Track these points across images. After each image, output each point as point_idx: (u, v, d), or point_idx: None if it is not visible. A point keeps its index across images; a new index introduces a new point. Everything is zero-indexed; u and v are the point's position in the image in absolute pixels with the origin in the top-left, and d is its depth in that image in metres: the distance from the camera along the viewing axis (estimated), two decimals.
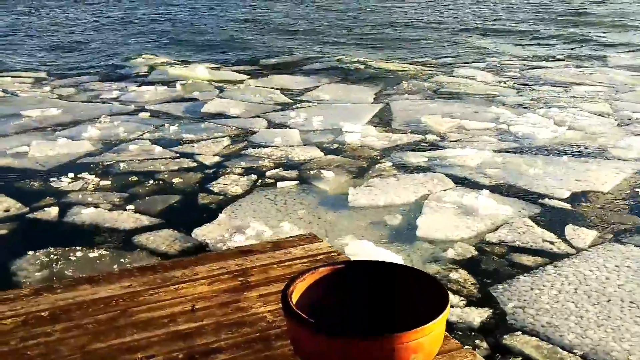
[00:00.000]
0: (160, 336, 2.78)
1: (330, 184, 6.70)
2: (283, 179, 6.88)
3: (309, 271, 2.47)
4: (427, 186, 6.55)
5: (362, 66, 14.16)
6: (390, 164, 7.34)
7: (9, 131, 9.17)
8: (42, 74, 14.04)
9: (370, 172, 7.09)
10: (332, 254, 3.62)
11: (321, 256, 3.55)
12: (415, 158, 7.53)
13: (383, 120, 9.56)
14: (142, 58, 15.44)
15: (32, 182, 6.99)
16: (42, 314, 2.98)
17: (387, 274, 2.54)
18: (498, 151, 7.79)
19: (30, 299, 3.12)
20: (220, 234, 5.45)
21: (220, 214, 5.87)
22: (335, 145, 8.17)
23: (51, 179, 6.99)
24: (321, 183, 6.74)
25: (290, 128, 9.04)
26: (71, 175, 7.07)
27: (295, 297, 2.31)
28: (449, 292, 2.33)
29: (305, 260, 3.50)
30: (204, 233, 5.49)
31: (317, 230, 5.50)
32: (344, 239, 5.31)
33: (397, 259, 4.89)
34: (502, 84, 12.11)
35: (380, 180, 6.77)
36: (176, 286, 3.21)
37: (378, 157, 7.65)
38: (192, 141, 8.51)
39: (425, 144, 8.26)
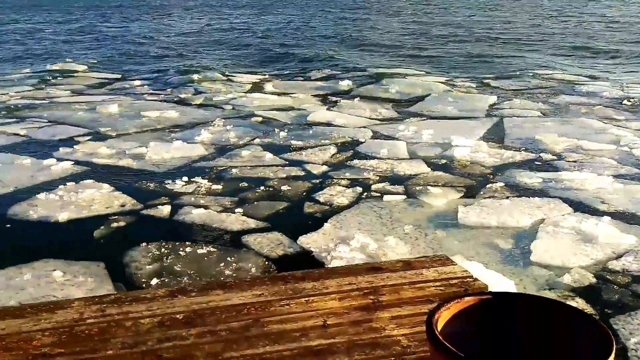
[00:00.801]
0: (292, 350, 2.70)
1: (439, 200, 6.44)
2: (389, 192, 6.68)
3: (454, 299, 2.25)
4: (542, 210, 6.13)
5: (474, 82, 13.76)
6: (503, 183, 6.94)
7: (130, 130, 9.56)
8: (155, 77, 14.66)
9: (481, 191, 6.74)
10: (468, 279, 3.38)
11: (455, 280, 3.33)
12: (529, 178, 7.09)
13: (495, 136, 9.15)
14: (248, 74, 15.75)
15: (147, 183, 7.19)
16: (178, 316, 2.99)
17: (540, 309, 2.27)
18: (618, 176, 7.21)
19: (165, 300, 3.15)
20: (325, 243, 5.34)
21: (325, 224, 5.77)
22: (444, 161, 7.88)
23: (166, 181, 7.18)
24: (429, 198, 6.48)
25: (398, 140, 8.83)
26: (185, 178, 7.22)
27: (440, 326, 2.13)
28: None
29: (438, 283, 3.30)
30: (308, 241, 5.41)
31: (424, 248, 5.27)
32: (452, 259, 5.03)
33: (509, 283, 4.56)
34: (625, 104, 11.30)
35: (492, 200, 6.41)
36: (307, 299, 3.13)
37: (489, 176, 7.28)
38: (300, 148, 8.51)
39: (540, 164, 7.79)
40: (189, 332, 2.84)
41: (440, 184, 6.92)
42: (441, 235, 5.59)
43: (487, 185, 6.90)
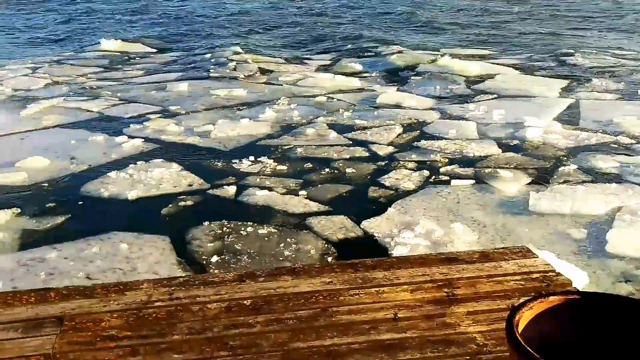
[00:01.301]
0: (362, 344, 2.61)
1: (509, 185, 6.18)
2: (457, 176, 6.47)
3: (537, 299, 2.10)
4: (619, 197, 5.80)
5: (547, 62, 13.15)
6: (576, 167, 6.63)
7: (198, 108, 9.66)
8: (232, 53, 14.74)
9: (554, 175, 6.45)
10: (550, 273, 3.17)
11: (537, 274, 3.14)
12: (605, 162, 6.74)
13: (570, 117, 8.74)
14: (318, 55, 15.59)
15: (215, 162, 7.24)
16: (245, 302, 2.95)
17: (633, 313, 2.08)
18: None
19: (234, 284, 3.11)
20: (388, 228, 5.22)
21: (389, 208, 5.64)
22: (515, 142, 7.58)
23: (233, 160, 7.20)
24: (498, 183, 6.23)
25: (468, 120, 8.56)
26: (252, 158, 7.23)
27: (520, 327, 1.99)
28: None
29: (518, 277, 3.12)
30: (372, 226, 5.30)
31: (492, 235, 5.08)
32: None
33: (583, 275, 4.34)
34: None
35: (567, 186, 6.10)
36: (377, 289, 3.02)
37: (563, 158, 6.97)
38: (365, 127, 8.37)
39: (617, 147, 7.40)
40: (256, 320, 2.80)
41: (511, 167, 6.67)
42: (511, 222, 5.36)
43: (560, 169, 6.61)
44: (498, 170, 6.53)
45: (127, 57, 14.96)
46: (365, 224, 5.35)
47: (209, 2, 26.17)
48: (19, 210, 5.84)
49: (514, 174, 6.42)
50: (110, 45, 16.03)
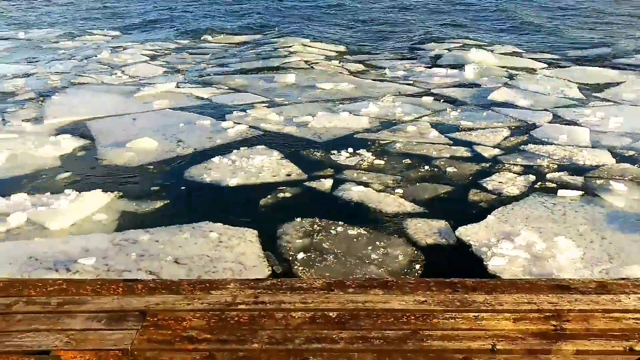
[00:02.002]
0: None
1: (622, 199, 5.66)
2: (565, 185, 6.01)
3: None
4: None
5: None
6: None
7: (302, 100, 9.63)
8: (341, 48, 14.60)
9: None
10: None
11: None
12: None
13: None
14: (434, 42, 15.13)
15: (314, 152, 7.18)
16: (331, 314, 2.81)
17: None
18: None
19: (321, 293, 2.98)
20: (486, 237, 4.91)
21: (489, 215, 5.31)
22: (631, 152, 6.97)
23: (331, 151, 7.12)
24: (610, 196, 5.73)
25: (581, 126, 7.96)
26: (350, 150, 7.11)
27: None
28: None
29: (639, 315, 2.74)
30: (468, 233, 5.00)
31: (599, 253, 4.66)
32: (632, 269, 4.40)
33: None
34: None
35: None
36: (476, 314, 2.78)
37: None
38: (470, 128, 8.01)
39: None
40: (340, 335, 2.65)
41: (626, 179, 6.12)
42: (622, 240, 4.89)
43: None
44: (611, 182, 6.00)
45: (237, 47, 15.23)
46: (461, 230, 5.07)
47: None
48: (121, 193, 6.03)
49: (628, 187, 5.88)
50: (219, 35, 16.44)
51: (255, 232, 5.13)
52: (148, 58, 13.58)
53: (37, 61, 13.18)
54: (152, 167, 6.84)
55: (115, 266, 4.52)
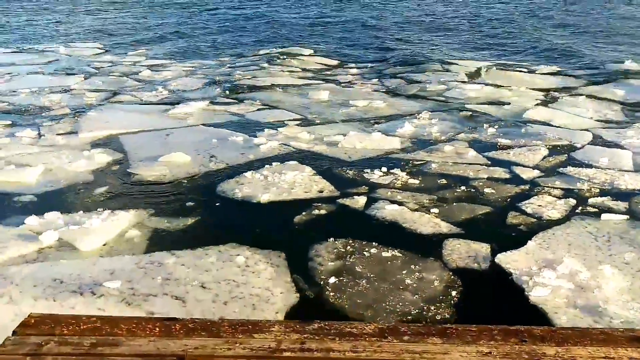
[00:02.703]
0: None
1: None
2: (609, 210, 5.68)
3: None
4: None
5: None
6: None
7: (335, 118, 9.45)
8: (372, 65, 14.43)
9: None
10: None
11: None
12: None
13: None
14: (468, 60, 14.87)
15: (347, 170, 7.00)
16: None
17: None
18: None
19: (373, 340, 2.73)
20: (527, 265, 4.62)
21: (529, 241, 5.01)
22: None
23: (365, 170, 6.92)
24: None
25: (623, 148, 7.59)
26: (384, 169, 6.91)
27: None
28: None
29: None
30: (508, 260, 4.71)
31: None
32: None
33: None
34: None
35: None
36: None
37: None
38: (508, 147, 7.72)
39: None
40: None
41: None
42: None
43: None
44: None
45: (282, 60, 15.18)
46: (500, 257, 4.77)
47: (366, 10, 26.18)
48: (153, 211, 5.93)
49: None
50: (270, 49, 16.46)
51: (284, 254, 4.94)
52: (186, 75, 13.62)
53: (74, 76, 13.31)
54: (185, 182, 6.74)
55: (140, 290, 4.37)
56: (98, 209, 5.85)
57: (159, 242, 5.29)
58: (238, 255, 4.91)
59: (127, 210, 5.83)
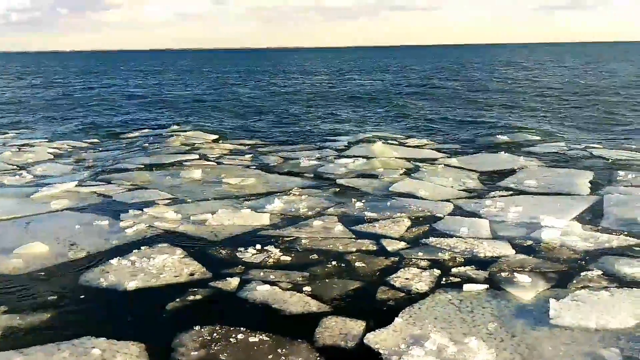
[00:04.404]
0: None
1: (526, 292, 5.34)
2: (470, 279, 5.66)
3: None
4: None
5: (582, 151, 12.39)
6: (600, 272, 5.77)
7: (207, 196, 9.07)
8: (250, 142, 14.31)
9: (574, 281, 5.62)
10: None
11: None
12: (631, 268, 5.89)
13: (592, 216, 7.74)
14: (343, 134, 15.20)
15: (220, 250, 6.63)
16: None
17: None
18: None
19: None
20: (395, 343, 4.41)
21: (396, 318, 4.81)
22: (529, 242, 6.72)
23: (238, 249, 6.58)
24: (515, 289, 5.39)
25: (481, 217, 7.75)
26: (258, 246, 6.62)
27: None
28: None
29: None
30: (377, 340, 4.48)
31: (511, 353, 4.25)
32: None
33: None
34: None
35: (589, 293, 5.25)
36: None
37: (582, 263, 6.08)
38: (374, 220, 7.67)
39: None
40: None
41: (526, 270, 5.84)
42: (531, 337, 4.53)
43: (582, 274, 5.74)
44: (514, 273, 5.69)
45: (146, 141, 14.63)
46: (369, 337, 4.53)
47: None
48: (6, 308, 5.25)
49: (531, 279, 5.57)
50: (130, 132, 15.85)
51: (143, 345, 4.47)
52: (53, 157, 12.74)
53: None
54: (42, 274, 6.02)
55: None
56: None
57: (8, 341, 4.64)
58: (94, 347, 4.42)
59: None
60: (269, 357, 4.30)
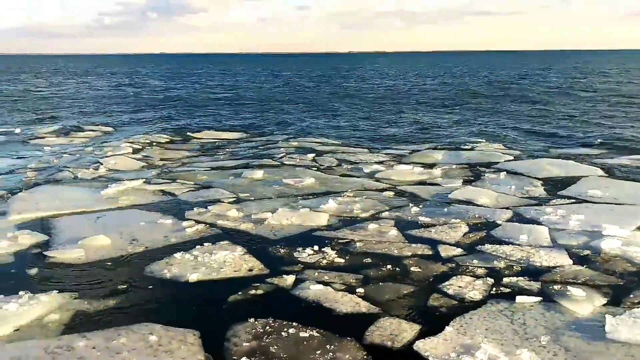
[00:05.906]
0: None
1: (582, 306, 5.10)
2: (522, 291, 5.44)
3: None
4: None
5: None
6: None
7: (268, 195, 9.16)
8: (310, 146, 14.40)
9: (631, 295, 5.33)
10: None
11: None
12: None
13: None
14: (406, 142, 15.04)
15: (278, 248, 6.71)
16: None
17: None
18: None
19: None
20: (445, 351, 4.30)
21: (447, 326, 4.69)
22: (587, 252, 6.43)
23: (297, 249, 6.63)
24: (570, 302, 5.16)
25: (541, 225, 7.43)
26: (315, 247, 6.64)
27: None
28: None
29: None
30: (427, 347, 4.39)
31: None
32: None
33: None
34: None
35: None
36: None
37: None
38: (430, 225, 7.52)
39: None
40: None
41: (581, 282, 5.59)
42: (585, 351, 4.34)
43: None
44: (568, 286, 5.44)
45: (214, 144, 14.93)
46: (419, 344, 4.43)
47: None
48: (77, 294, 5.50)
49: (586, 292, 5.33)
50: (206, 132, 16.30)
51: (198, 333, 4.62)
52: (131, 151, 13.23)
53: (21, 157, 12.74)
54: (110, 264, 6.27)
55: None
56: (19, 292, 5.38)
57: (74, 325, 4.87)
58: (151, 334, 4.57)
59: (48, 294, 5.36)
60: (318, 352, 4.33)
